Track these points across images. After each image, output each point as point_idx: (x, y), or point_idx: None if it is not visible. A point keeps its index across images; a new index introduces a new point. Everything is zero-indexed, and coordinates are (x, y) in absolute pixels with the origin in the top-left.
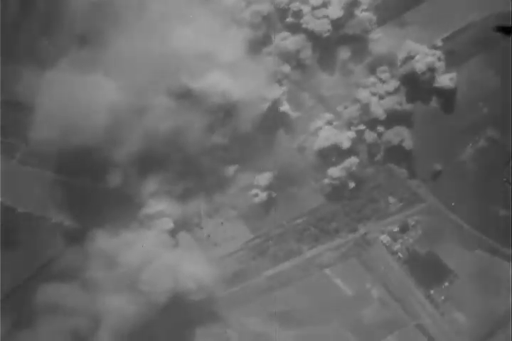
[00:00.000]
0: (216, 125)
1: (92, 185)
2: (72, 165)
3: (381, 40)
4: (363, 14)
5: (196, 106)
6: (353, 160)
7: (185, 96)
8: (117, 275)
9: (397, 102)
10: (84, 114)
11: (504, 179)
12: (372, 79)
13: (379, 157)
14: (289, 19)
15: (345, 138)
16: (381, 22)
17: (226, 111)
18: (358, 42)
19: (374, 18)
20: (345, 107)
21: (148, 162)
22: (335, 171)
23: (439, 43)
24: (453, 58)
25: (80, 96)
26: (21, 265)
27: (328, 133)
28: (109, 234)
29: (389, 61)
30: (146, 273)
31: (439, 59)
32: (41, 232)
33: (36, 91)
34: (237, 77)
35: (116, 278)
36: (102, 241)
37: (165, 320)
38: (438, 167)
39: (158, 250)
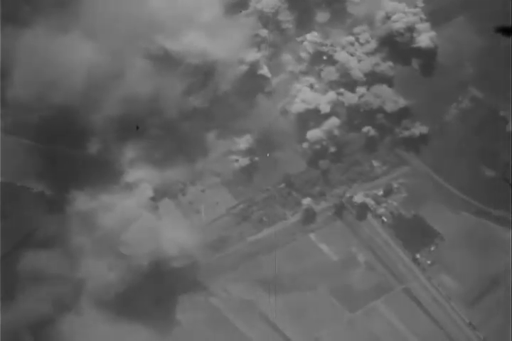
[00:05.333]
0: (195, 88)
1: (71, 152)
2: (50, 133)
3: (361, 2)
4: None
5: (174, 68)
6: (333, 121)
7: (163, 58)
8: (98, 239)
9: (376, 63)
10: (62, 75)
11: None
12: (350, 38)
13: (360, 120)
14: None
15: (324, 102)
16: None
17: (204, 73)
18: (336, 4)
19: None
20: (324, 70)
21: (127, 127)
22: (314, 133)
23: (421, 4)
24: (434, 18)
25: (57, 57)
26: (4, 236)
27: (306, 96)
28: (88, 197)
29: (368, 22)
30: (126, 235)
31: (421, 19)
32: (23, 202)
33: (13, 53)
34: (215, 37)
35: (97, 241)
36: (82, 203)
37: (147, 287)
38: (422, 129)
39: (138, 211)
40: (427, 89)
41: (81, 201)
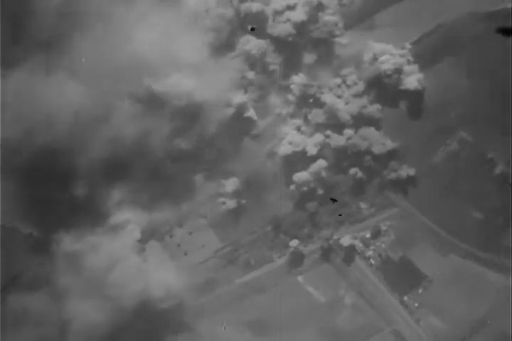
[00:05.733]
0: (181, 130)
1: (59, 194)
2: (38, 175)
3: (348, 44)
4: (329, 18)
5: (160, 110)
6: (321, 163)
7: (149, 100)
8: (84, 280)
9: (363, 105)
10: (49, 117)
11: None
12: (337, 80)
13: (347, 162)
14: (252, 25)
15: (311, 144)
16: (349, 26)
17: (191, 115)
18: (324, 46)
19: (340, 21)
20: (312, 112)
21: (114, 169)
22: (302, 175)
23: (408, 46)
24: (422, 61)
25: (44, 99)
26: None
27: (293, 138)
28: (75, 238)
29: (355, 64)
30: (113, 276)
31: (409, 61)
32: (11, 244)
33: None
34: (202, 80)
35: (84, 283)
36: (69, 245)
37: (133, 329)
38: (410, 171)
39: (125, 253)
40: (415, 132)
41: (68, 243)
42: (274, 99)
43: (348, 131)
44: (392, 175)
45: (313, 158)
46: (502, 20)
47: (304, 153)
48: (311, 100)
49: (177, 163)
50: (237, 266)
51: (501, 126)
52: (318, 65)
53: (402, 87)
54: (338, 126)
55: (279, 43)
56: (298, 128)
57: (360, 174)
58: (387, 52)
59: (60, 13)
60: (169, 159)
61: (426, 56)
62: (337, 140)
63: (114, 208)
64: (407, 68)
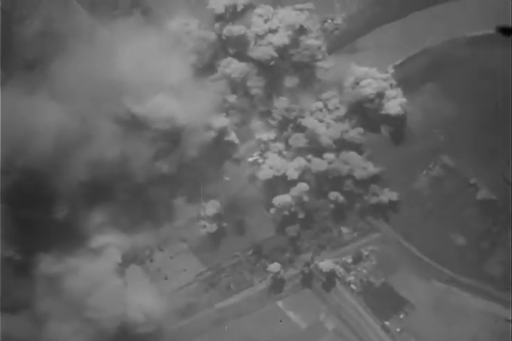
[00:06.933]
0: (162, 153)
1: (38, 216)
2: (18, 197)
3: (331, 68)
4: (311, 42)
5: (141, 133)
6: (302, 187)
7: (130, 122)
8: (64, 303)
9: (345, 130)
10: (30, 139)
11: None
12: (318, 103)
13: (329, 187)
14: (234, 49)
15: (292, 168)
16: (332, 50)
17: (172, 138)
18: (306, 70)
19: (323, 45)
20: (293, 136)
21: (95, 192)
22: (282, 199)
23: (391, 70)
24: (405, 85)
25: (26, 120)
26: None
27: (274, 162)
28: (56, 261)
29: (337, 87)
30: (92, 300)
31: (392, 85)
32: None
33: None
34: (183, 102)
35: (64, 306)
36: (49, 268)
37: None
38: (392, 196)
39: (105, 276)
40: (397, 156)
41: (48, 265)
42: (256, 123)
43: (330, 156)
44: (374, 200)
45: (295, 182)
46: (486, 45)
47: (285, 177)
48: (291, 124)
49: (158, 186)
50: (217, 290)
51: (484, 151)
52: (300, 89)
53: (385, 112)
54: (319, 150)
55: (261, 67)
56: (279, 152)
57: (341, 198)
58: (370, 76)
59: (42, 34)
60: (150, 182)
61: (409, 80)
62: (318, 164)
63: (94, 231)
64: (389, 92)
